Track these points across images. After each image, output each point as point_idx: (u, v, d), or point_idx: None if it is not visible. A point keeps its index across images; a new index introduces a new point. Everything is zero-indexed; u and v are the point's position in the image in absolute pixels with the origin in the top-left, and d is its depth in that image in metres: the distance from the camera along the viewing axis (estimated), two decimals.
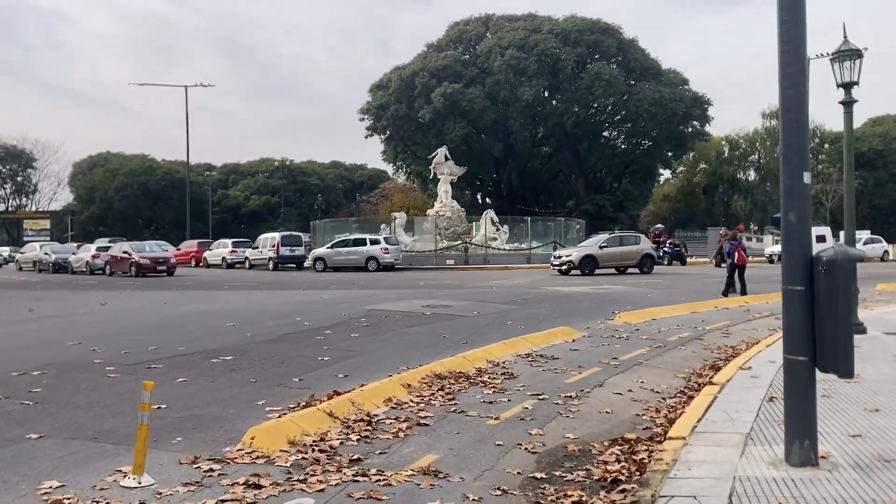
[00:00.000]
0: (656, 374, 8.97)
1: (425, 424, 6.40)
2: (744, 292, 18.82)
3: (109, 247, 35.25)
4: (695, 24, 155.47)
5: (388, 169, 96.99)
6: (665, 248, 40.61)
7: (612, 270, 31.24)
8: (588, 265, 29.98)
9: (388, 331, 12.34)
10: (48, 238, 75.74)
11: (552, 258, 32.12)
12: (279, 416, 6.50)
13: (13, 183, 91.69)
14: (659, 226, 48.80)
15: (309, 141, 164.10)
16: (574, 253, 30.79)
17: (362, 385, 7.52)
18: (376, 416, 6.62)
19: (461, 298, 17.97)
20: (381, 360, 9.51)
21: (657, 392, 7.97)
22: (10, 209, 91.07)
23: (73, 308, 16.99)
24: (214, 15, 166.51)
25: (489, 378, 8.33)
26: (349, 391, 7.20)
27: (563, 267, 30.14)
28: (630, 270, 31.38)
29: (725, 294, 18.84)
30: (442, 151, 43.78)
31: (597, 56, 77.15)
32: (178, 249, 46.64)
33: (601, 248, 30.94)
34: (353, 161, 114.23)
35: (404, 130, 79.43)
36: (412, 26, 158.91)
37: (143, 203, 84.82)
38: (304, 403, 6.82)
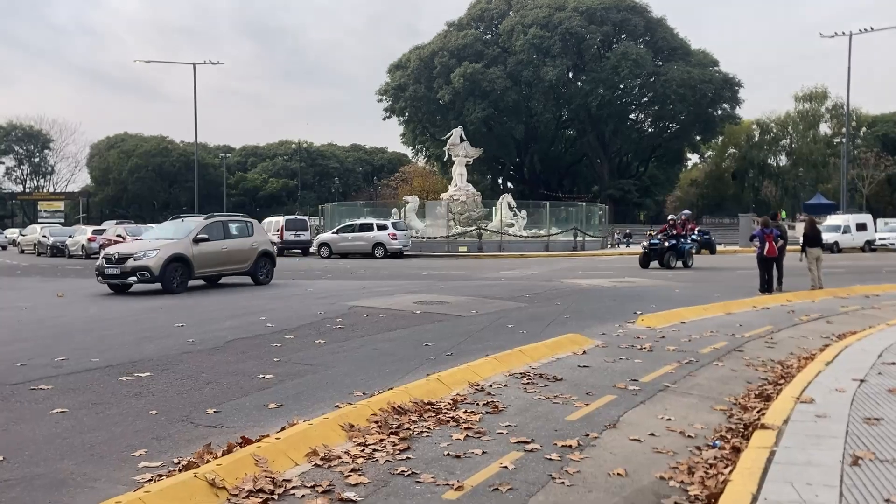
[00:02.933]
0: (687, 405, 6.90)
1: (351, 501, 4.39)
2: (768, 289, 16.61)
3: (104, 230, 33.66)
4: (724, 7, 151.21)
5: (408, 152, 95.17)
6: (693, 236, 38.12)
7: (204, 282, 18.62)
8: (176, 275, 16.62)
9: (362, 335, 10.34)
10: (62, 220, 74.82)
11: (101, 259, 17.14)
12: (149, 482, 4.54)
13: (29, 164, 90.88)
14: (686, 212, 46.13)
15: (332, 124, 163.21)
16: (152, 253, 16.43)
17: (282, 429, 5.52)
18: (287, 482, 4.63)
19: (462, 293, 15.93)
20: (336, 381, 7.52)
21: (689, 436, 5.91)
22: (26, 190, 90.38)
23: (21, 300, 15.17)
24: None
25: (465, 413, 6.30)
26: (260, 439, 5.20)
27: (131, 279, 16.29)
28: (236, 279, 19.01)
29: (769, 290, 16.62)
30: (457, 132, 41.57)
31: (623, 35, 74.40)
32: None
33: (197, 241, 17.23)
34: (375, 144, 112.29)
35: (423, 112, 77.33)
36: (440, 9, 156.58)
37: (158, 185, 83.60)
38: (185, 463, 4.83)
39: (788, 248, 18.13)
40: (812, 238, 17.65)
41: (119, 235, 30.53)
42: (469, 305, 13.64)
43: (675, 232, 26.16)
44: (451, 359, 8.63)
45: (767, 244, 16.77)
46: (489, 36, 78.06)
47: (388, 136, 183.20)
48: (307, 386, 7.27)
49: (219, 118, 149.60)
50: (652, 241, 26.14)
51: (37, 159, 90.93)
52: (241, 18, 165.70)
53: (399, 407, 6.26)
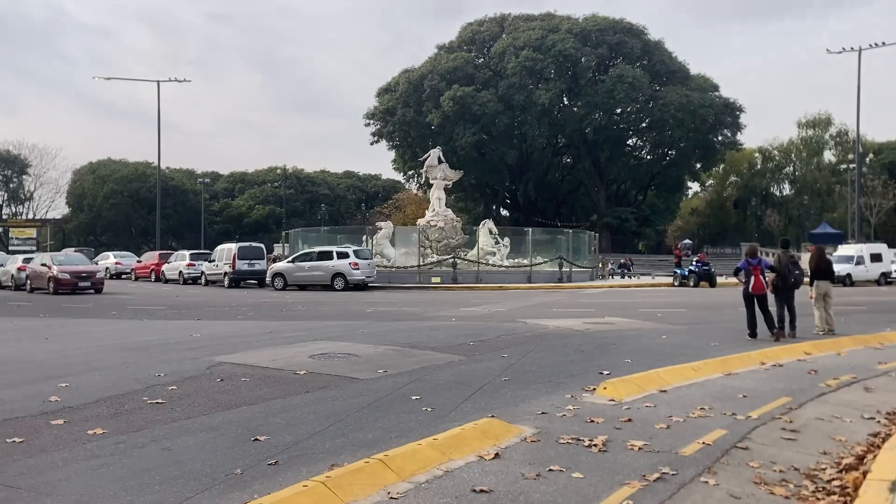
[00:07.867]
0: None
1: None
2: (752, 333, 13.47)
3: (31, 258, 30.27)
4: (724, 38, 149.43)
5: (400, 178, 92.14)
6: (691, 267, 34.82)
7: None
8: None
9: (175, 419, 6.92)
10: (34, 247, 71.49)
11: None
12: None
13: (6, 190, 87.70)
14: (686, 241, 43.05)
15: (333, 154, 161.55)
16: None
17: None
18: None
19: (389, 340, 12.50)
20: None
21: None
22: (3, 217, 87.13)
23: None
24: (250, 31, 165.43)
25: None
26: None
27: None
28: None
29: (772, 333, 13.29)
30: (435, 153, 38.27)
31: (619, 58, 71.57)
32: (139, 262, 41.79)
33: None
34: (370, 172, 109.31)
35: (412, 136, 74.33)
36: (445, 41, 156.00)
37: (135, 211, 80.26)
38: None
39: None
40: (823, 270, 14.45)
41: (44, 264, 27.20)
42: (382, 361, 10.22)
43: None
44: (272, 473, 5.22)
45: (754, 278, 13.55)
46: (481, 59, 75.35)
47: (383, 163, 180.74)
48: None
49: (223, 148, 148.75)
50: None
51: (13, 185, 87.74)
52: (248, 51, 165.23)
53: None
